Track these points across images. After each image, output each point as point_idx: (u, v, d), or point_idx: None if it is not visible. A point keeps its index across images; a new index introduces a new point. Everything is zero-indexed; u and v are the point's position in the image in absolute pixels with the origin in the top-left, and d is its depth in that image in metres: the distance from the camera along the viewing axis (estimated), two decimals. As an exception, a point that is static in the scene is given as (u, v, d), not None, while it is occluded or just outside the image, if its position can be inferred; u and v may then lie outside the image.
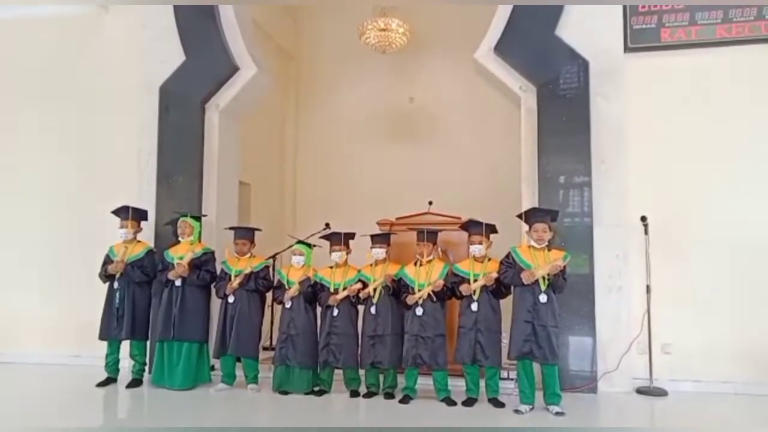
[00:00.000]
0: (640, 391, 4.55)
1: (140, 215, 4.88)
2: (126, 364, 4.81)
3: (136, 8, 5.63)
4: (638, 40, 4.84)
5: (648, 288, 4.61)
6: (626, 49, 4.83)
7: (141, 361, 4.76)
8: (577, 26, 4.81)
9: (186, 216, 4.77)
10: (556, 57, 4.79)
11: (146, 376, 4.78)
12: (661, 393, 4.50)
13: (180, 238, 4.74)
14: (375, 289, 4.35)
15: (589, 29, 4.81)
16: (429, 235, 4.33)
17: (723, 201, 4.69)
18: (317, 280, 4.53)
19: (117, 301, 4.66)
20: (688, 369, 4.62)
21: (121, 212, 4.79)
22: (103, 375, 4.72)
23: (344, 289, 4.40)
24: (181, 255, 4.63)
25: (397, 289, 4.35)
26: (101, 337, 4.71)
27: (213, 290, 4.76)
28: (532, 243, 4.08)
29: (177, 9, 5.39)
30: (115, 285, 4.70)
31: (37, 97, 5.90)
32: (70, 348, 5.47)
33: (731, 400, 4.41)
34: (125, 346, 4.77)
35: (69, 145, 5.79)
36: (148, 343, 4.81)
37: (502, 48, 4.91)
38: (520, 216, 4.23)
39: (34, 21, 5.93)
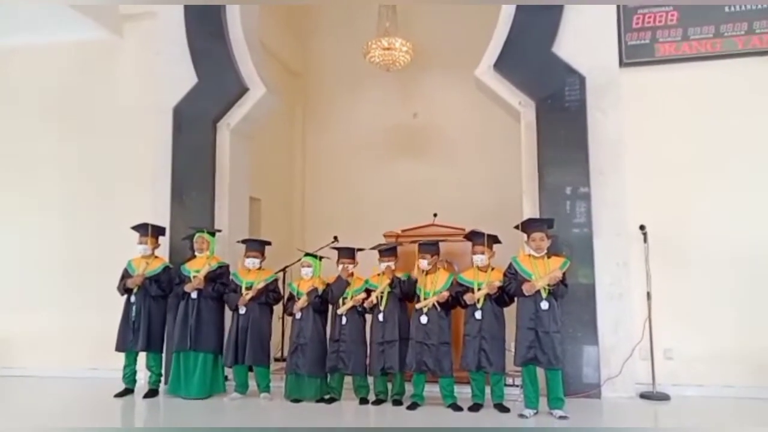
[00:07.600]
0: (643, 396, 4.64)
1: (159, 231, 5.06)
2: (142, 376, 4.97)
3: (149, 33, 5.86)
4: (633, 55, 5.00)
5: (648, 295, 4.71)
6: (621, 64, 5.00)
7: (157, 372, 4.91)
8: (573, 43, 4.98)
9: (202, 231, 4.95)
10: (553, 73, 4.96)
11: (162, 386, 4.93)
12: (663, 398, 4.59)
13: (196, 253, 4.92)
14: (381, 296, 4.49)
15: (585, 46, 4.98)
16: (428, 247, 4.44)
17: (720, 209, 4.81)
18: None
19: (133, 314, 4.83)
20: (690, 374, 4.71)
21: (141, 229, 4.97)
22: (121, 386, 4.87)
23: (351, 298, 4.56)
24: (198, 269, 4.81)
25: (406, 290, 4.47)
26: (118, 349, 4.85)
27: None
28: (532, 252, 4.22)
29: (189, 33, 5.62)
30: (132, 299, 4.86)
31: (56, 119, 6.11)
32: (88, 361, 5.64)
33: (733, 404, 4.49)
34: (141, 359, 4.93)
35: (86, 166, 5.98)
36: (164, 354, 4.96)
37: (501, 65, 5.09)
38: (517, 227, 4.36)
39: (53, 48, 6.15)
